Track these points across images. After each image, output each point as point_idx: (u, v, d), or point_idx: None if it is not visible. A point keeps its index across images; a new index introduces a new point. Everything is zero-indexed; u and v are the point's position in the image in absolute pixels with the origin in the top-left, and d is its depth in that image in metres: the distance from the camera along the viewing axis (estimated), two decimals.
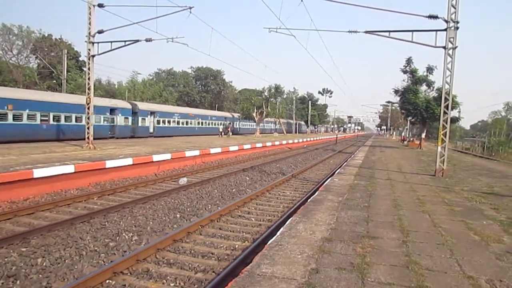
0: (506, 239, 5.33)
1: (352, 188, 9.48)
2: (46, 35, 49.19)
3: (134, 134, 29.99)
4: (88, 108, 17.38)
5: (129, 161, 13.19)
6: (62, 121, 23.11)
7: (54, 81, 46.01)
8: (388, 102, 65.44)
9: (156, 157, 14.70)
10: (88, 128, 17.50)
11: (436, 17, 12.16)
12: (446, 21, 11.94)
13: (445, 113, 12.57)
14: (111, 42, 17.09)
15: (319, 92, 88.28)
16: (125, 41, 17.12)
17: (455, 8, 11.83)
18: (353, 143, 53.04)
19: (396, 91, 32.31)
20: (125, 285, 4.73)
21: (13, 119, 19.90)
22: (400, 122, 68.50)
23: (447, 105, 12.40)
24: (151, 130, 32.35)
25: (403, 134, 62.77)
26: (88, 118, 17.47)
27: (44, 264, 5.30)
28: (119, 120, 28.20)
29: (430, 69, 29.57)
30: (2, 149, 15.21)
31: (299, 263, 4.14)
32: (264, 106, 47.92)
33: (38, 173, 9.69)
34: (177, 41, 17.63)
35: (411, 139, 50.73)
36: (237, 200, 9.44)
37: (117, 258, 5.56)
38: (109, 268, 4.94)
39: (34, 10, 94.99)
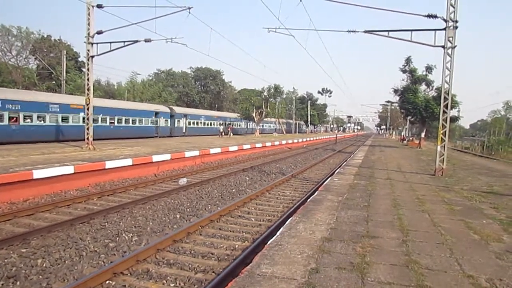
0: (506, 238, 5.34)
1: (352, 187, 9.49)
2: (45, 36, 49.20)
3: (171, 133, 34.93)
4: (88, 109, 17.37)
5: (128, 161, 13.19)
6: (123, 123, 28.66)
7: (54, 82, 46.02)
8: (388, 101, 65.46)
9: (155, 158, 14.70)
10: (87, 128, 17.50)
11: (435, 16, 12.18)
12: (445, 20, 11.95)
13: (444, 112, 12.58)
14: (110, 42, 17.10)
15: (319, 92, 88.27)
16: (124, 42, 17.13)
17: (454, 7, 11.84)
18: (352, 142, 53.06)
19: (395, 91, 32.34)
20: (125, 285, 4.73)
21: (92, 122, 22.15)
22: (399, 122, 68.57)
23: (447, 104, 12.41)
24: (184, 130, 37.58)
25: (402, 133, 62.88)
26: (88, 119, 17.47)
27: (44, 265, 5.30)
28: (161, 122, 33.62)
29: (429, 69, 29.59)
30: (2, 150, 15.21)
31: (299, 263, 4.14)
32: (263, 106, 47.92)
33: (37, 174, 9.68)
34: (176, 42, 17.61)
35: (411, 138, 50.83)
36: (237, 200, 9.44)
37: (117, 258, 5.56)
38: (109, 268, 4.94)
39: (33, 11, 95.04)
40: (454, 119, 30.54)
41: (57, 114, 22.83)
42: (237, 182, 12.99)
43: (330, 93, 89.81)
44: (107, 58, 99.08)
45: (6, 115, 19.68)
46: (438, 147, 12.83)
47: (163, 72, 79.42)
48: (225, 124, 45.66)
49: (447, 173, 12.94)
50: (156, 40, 17.42)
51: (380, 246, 4.84)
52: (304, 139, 44.30)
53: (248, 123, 54.23)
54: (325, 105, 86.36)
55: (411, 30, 12.78)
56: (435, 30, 12.26)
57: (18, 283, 4.74)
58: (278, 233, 5.32)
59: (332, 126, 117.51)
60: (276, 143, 32.57)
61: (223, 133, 40.72)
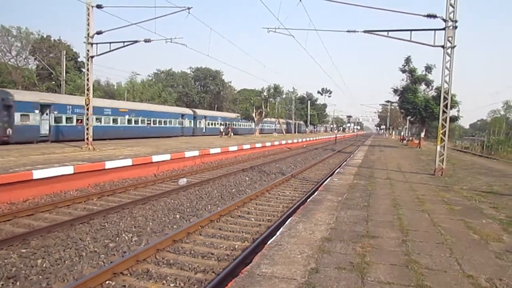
0: (505, 238, 5.34)
1: (352, 187, 9.49)
2: (45, 36, 49.09)
3: (193, 133, 39.95)
4: (87, 109, 17.37)
5: (128, 161, 13.18)
6: (157, 124, 33.38)
7: (53, 82, 45.90)
8: (387, 101, 65.45)
9: (155, 158, 14.70)
10: (87, 129, 17.49)
11: (434, 16, 12.19)
12: (445, 20, 11.96)
13: (444, 112, 12.59)
14: (110, 43, 17.10)
15: (318, 92, 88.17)
16: (124, 42, 17.13)
17: (453, 7, 11.84)
18: (352, 142, 53.08)
19: (395, 91, 32.35)
20: (125, 285, 4.73)
21: (133, 123, 30.09)
22: (399, 122, 68.54)
23: (446, 104, 12.41)
24: (204, 130, 42.54)
25: (402, 133, 62.85)
26: (88, 119, 17.47)
27: (44, 265, 5.30)
28: (186, 122, 38.71)
29: (428, 68, 29.61)
30: (2, 150, 15.20)
31: (299, 263, 4.14)
32: (263, 106, 47.94)
33: (37, 174, 9.68)
34: (176, 42, 17.60)
35: (410, 138, 50.81)
36: (236, 201, 9.44)
37: (117, 258, 5.56)
38: (109, 268, 4.94)
39: (33, 11, 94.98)
40: (453, 119, 30.55)
41: (109, 116, 27.51)
42: (237, 182, 12.99)
43: (330, 93, 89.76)
44: (106, 58, 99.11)
45: (74, 118, 24.20)
46: (438, 147, 12.83)
47: (163, 72, 79.33)
48: (226, 124, 46.88)
49: (447, 173, 12.95)
50: (155, 40, 17.47)
51: (380, 246, 4.84)
52: (304, 139, 44.31)
53: (250, 123, 55.11)
54: (324, 105, 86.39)
55: (411, 30, 12.81)
56: (435, 30, 12.27)
57: (18, 283, 4.74)
58: (278, 233, 5.32)
59: (331, 126, 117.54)
60: (276, 143, 32.57)
61: (223, 133, 41.12)
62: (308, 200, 7.94)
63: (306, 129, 79.99)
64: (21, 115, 20.21)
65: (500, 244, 5.04)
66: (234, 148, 22.99)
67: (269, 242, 4.90)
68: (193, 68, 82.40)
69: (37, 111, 21.32)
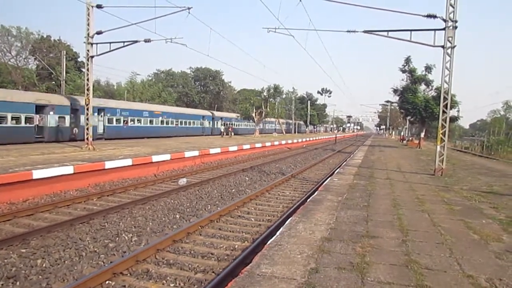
0: (505, 238, 5.34)
1: (352, 187, 9.49)
2: (45, 36, 49.03)
3: (211, 133, 43.80)
4: (87, 109, 17.37)
5: (128, 162, 13.18)
6: (183, 125, 37.76)
7: (53, 82, 45.89)
8: (387, 101, 65.44)
9: (155, 158, 14.69)
10: (87, 129, 17.50)
11: (434, 16, 12.19)
12: (445, 20, 11.96)
13: (444, 112, 12.59)
14: (110, 43, 17.12)
15: (318, 92, 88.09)
16: (124, 42, 17.14)
17: (453, 7, 11.84)
18: (352, 142, 53.07)
19: (395, 91, 32.35)
20: (125, 285, 4.73)
21: (164, 124, 34.34)
22: (399, 122, 68.57)
23: (446, 104, 12.42)
24: (222, 130, 44.84)
25: (402, 133, 62.87)
26: (87, 119, 17.47)
27: (43, 265, 5.30)
28: (206, 123, 43.14)
29: (428, 68, 29.62)
30: (2, 150, 15.19)
31: (299, 263, 4.14)
32: (263, 106, 47.95)
33: (37, 174, 9.68)
34: (176, 42, 17.64)
35: (410, 138, 50.80)
36: (236, 201, 9.44)
37: (117, 258, 5.56)
38: (109, 268, 4.94)
39: (33, 11, 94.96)
40: (453, 119, 30.58)
41: (147, 118, 31.62)
42: (237, 182, 12.99)
43: (330, 93, 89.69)
44: (106, 58, 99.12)
45: (121, 119, 28.40)
46: (438, 147, 12.84)
47: (163, 72, 79.29)
48: (226, 124, 47.98)
49: (447, 173, 12.95)
50: (155, 40, 17.53)
51: (380, 246, 4.84)
52: (304, 139, 44.31)
53: (250, 123, 55.47)
54: (324, 105, 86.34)
55: (411, 30, 12.81)
56: (435, 30, 12.27)
57: (18, 283, 4.74)
58: (278, 233, 5.32)
59: (331, 126, 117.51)
60: (276, 143, 32.57)
61: (223, 133, 41.30)
62: (308, 200, 7.94)
63: (306, 129, 79.94)
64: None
65: (500, 244, 5.04)
66: (234, 148, 22.99)
67: (269, 242, 4.90)
68: (193, 68, 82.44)
69: (95, 114, 24.25)
